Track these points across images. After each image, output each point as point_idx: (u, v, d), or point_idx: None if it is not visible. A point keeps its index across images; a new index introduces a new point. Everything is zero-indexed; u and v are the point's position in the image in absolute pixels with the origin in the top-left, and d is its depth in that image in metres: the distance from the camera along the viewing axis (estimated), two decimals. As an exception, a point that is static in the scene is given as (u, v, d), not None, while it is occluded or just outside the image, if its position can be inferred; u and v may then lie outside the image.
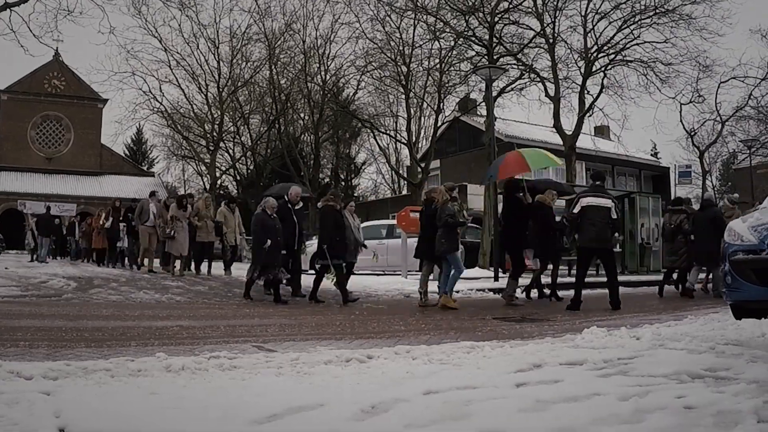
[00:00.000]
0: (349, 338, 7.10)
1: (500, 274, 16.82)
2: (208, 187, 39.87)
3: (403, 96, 32.97)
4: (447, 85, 30.53)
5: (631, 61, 27.41)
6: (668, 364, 4.63)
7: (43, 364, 4.54)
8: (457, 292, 14.00)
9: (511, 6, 26.73)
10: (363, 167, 58.45)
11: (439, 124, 32.93)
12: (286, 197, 12.91)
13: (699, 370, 4.44)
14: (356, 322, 8.95)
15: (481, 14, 26.74)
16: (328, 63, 36.32)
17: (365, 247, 13.13)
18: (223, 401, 3.56)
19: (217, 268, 16.72)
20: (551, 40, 26.73)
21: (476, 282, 16.45)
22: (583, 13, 27.05)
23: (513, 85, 28.44)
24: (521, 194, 12.53)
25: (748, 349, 5.34)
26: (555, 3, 26.52)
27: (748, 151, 34.33)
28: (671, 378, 4.23)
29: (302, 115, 40.75)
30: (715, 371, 4.48)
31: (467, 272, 19.05)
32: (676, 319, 8.43)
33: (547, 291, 13.33)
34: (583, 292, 11.52)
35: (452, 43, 28.58)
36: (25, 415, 3.16)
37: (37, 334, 6.81)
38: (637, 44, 27.02)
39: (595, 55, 27.33)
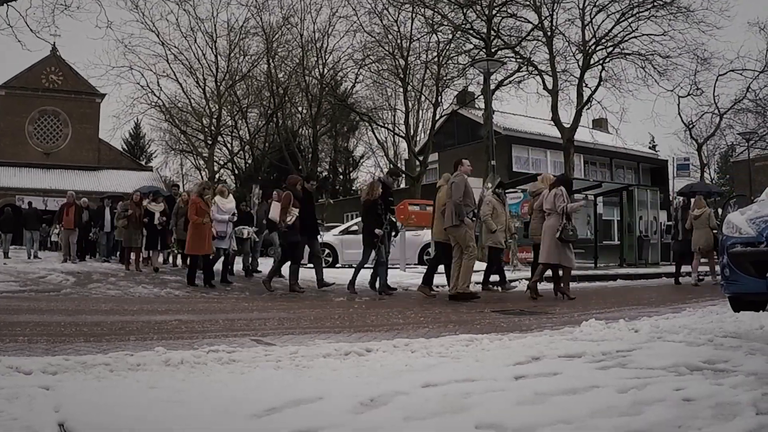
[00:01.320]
0: (348, 331, 7.10)
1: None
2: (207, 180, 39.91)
3: (401, 89, 33.03)
4: (445, 78, 30.59)
5: (629, 54, 27.45)
6: (667, 356, 4.64)
7: (42, 359, 4.54)
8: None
9: (509, -1, 26.75)
10: (361, 161, 58.47)
11: (437, 117, 32.97)
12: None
13: (697, 363, 4.44)
14: (355, 315, 8.96)
15: (478, 7, 26.77)
16: (326, 56, 36.34)
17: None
18: (222, 395, 3.56)
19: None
20: (549, 33, 26.74)
21: (475, 275, 16.42)
22: (581, 6, 27.11)
23: (511, 78, 28.51)
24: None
25: (747, 341, 5.34)
26: (553, -5, 26.53)
27: (746, 144, 34.36)
28: (670, 370, 4.23)
29: (300, 108, 40.75)
30: (714, 363, 4.48)
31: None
32: (674, 311, 8.44)
33: None
34: (583, 285, 11.58)
35: (450, 36, 28.63)
36: (25, 410, 3.16)
37: (36, 329, 6.81)
38: (635, 37, 27.07)
39: (593, 47, 27.34)
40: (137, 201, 17.26)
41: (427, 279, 12.25)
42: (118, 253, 20.00)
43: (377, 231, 12.21)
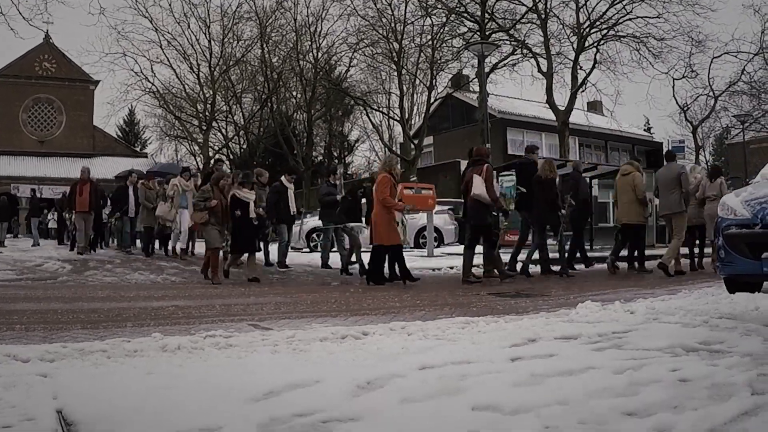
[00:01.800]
0: (345, 315, 7.12)
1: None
2: (201, 167, 39.79)
3: (396, 73, 32.90)
4: (439, 61, 30.48)
5: (623, 37, 27.38)
6: (662, 337, 4.65)
7: (39, 347, 4.55)
8: (451, 268, 14.05)
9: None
10: (356, 145, 58.25)
11: (432, 100, 32.87)
12: None
13: (693, 344, 4.46)
14: (351, 299, 8.98)
15: (472, -10, 26.64)
16: (320, 41, 36.18)
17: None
18: (219, 379, 3.57)
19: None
20: (543, 16, 26.68)
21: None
22: (575, -12, 26.97)
23: (505, 61, 28.42)
24: None
25: (742, 322, 5.36)
26: (547, -23, 26.43)
27: (741, 126, 34.35)
28: (665, 351, 4.25)
29: (294, 93, 40.60)
30: (709, 344, 4.50)
31: (462, 248, 19.09)
32: (670, 293, 8.45)
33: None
34: (579, 267, 11.67)
35: (444, 20, 28.51)
36: (23, 398, 3.16)
37: (33, 317, 6.81)
38: (630, 19, 26.98)
39: (587, 30, 27.28)
40: (224, 186, 12.58)
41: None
42: (138, 242, 18.10)
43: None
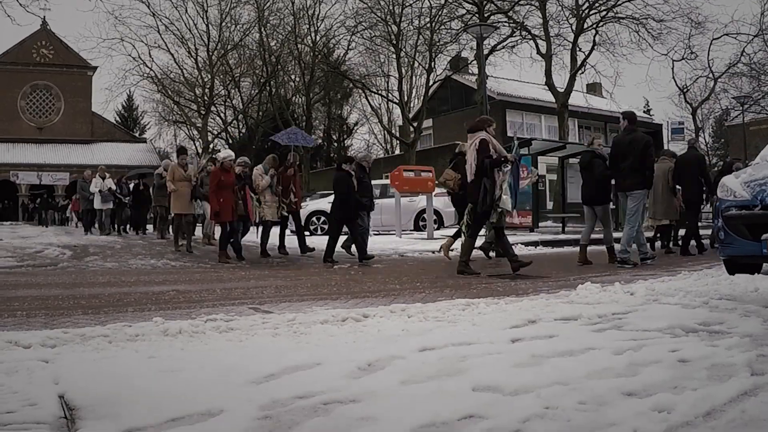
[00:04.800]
0: (345, 298, 7.13)
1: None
2: (200, 151, 39.78)
3: (394, 56, 32.84)
4: (438, 44, 30.43)
5: (623, 18, 27.29)
6: (662, 318, 4.67)
7: (41, 333, 4.55)
8: (452, 250, 14.07)
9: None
10: (355, 128, 58.25)
11: (431, 83, 32.82)
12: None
13: (693, 325, 4.47)
14: (351, 282, 8.99)
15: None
16: (318, 24, 36.15)
17: None
18: (220, 363, 3.58)
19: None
20: (542, -3, 26.52)
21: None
22: (574, -31, 26.85)
23: (504, 43, 28.35)
24: None
25: (742, 303, 5.38)
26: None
27: (740, 108, 34.31)
28: (665, 332, 4.26)
29: (293, 77, 40.58)
30: (709, 325, 4.51)
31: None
32: (670, 274, 8.47)
33: None
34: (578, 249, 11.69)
35: (443, 2, 28.41)
36: (25, 383, 3.17)
37: (34, 303, 6.82)
38: (629, 1, 26.89)
39: (586, 11, 27.18)
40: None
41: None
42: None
43: None
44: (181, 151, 15.26)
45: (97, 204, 20.41)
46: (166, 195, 15.84)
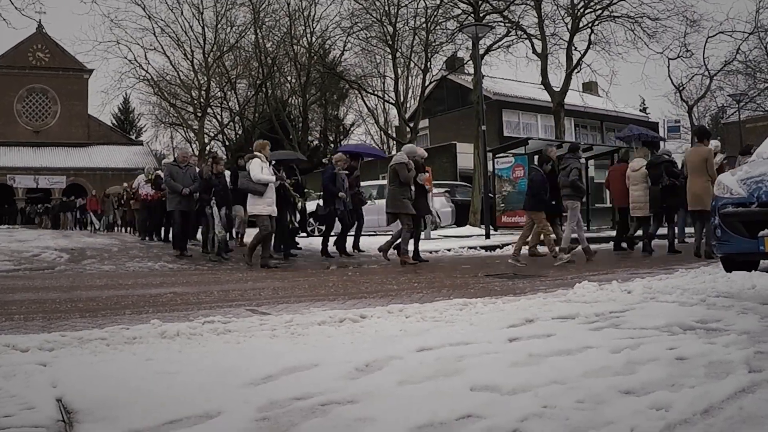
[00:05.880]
0: (342, 299, 7.12)
1: (492, 232, 16.93)
2: (197, 153, 39.75)
3: (390, 56, 32.77)
4: (434, 44, 30.35)
5: (618, 17, 27.24)
6: (659, 316, 4.68)
7: (38, 336, 4.55)
8: (449, 250, 14.07)
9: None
10: (352, 129, 58.09)
11: (427, 83, 32.73)
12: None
13: (690, 322, 4.49)
14: (349, 282, 8.99)
15: (465, -29, 26.50)
16: (314, 25, 36.05)
17: None
18: (218, 365, 3.58)
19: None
20: (537, -4, 26.51)
21: (468, 240, 16.53)
22: (569, -32, 26.82)
23: (500, 43, 28.27)
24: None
25: (739, 301, 5.39)
26: (541, -42, 26.26)
27: (736, 106, 34.31)
28: (663, 330, 4.27)
29: (289, 78, 40.45)
30: (706, 323, 4.52)
31: (459, 230, 19.14)
32: (667, 272, 8.48)
33: None
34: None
35: (438, 2, 28.34)
36: (22, 387, 3.17)
37: (32, 306, 6.80)
38: (624, -1, 26.82)
39: (582, 10, 27.13)
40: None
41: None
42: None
43: None
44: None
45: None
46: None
